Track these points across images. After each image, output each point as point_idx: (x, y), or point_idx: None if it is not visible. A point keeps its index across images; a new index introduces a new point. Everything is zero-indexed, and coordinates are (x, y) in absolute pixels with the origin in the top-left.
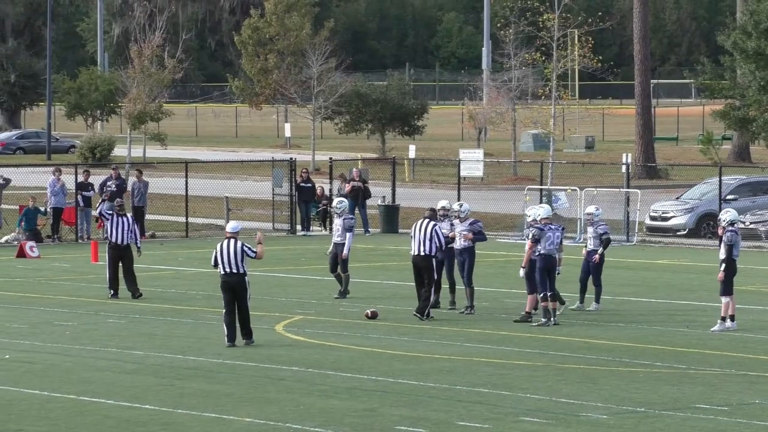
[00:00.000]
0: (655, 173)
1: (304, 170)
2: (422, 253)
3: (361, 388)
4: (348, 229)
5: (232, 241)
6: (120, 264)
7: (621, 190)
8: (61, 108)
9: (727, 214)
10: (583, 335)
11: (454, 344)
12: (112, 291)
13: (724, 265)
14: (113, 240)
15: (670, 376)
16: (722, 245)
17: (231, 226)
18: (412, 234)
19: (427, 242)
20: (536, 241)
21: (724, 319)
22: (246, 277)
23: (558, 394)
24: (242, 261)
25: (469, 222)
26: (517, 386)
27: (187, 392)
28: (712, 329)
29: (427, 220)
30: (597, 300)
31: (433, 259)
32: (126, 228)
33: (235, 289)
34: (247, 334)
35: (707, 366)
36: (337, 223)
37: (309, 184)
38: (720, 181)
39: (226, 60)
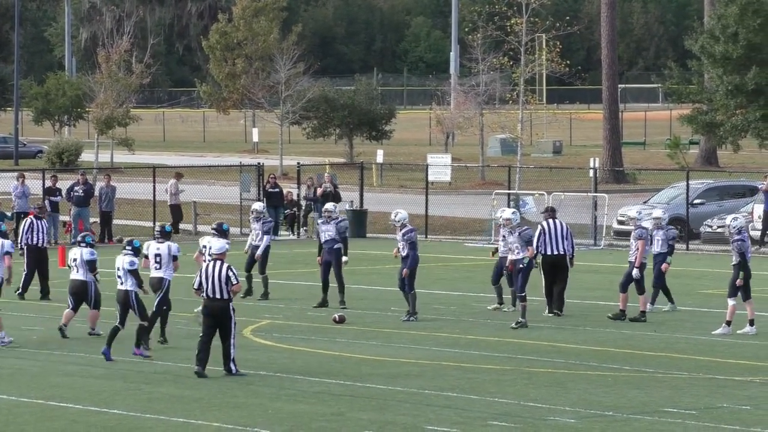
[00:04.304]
0: (623, 178)
1: (271, 176)
2: (560, 252)
3: (329, 393)
4: (266, 232)
5: (218, 263)
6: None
7: (588, 194)
8: (29, 113)
9: (735, 221)
10: (551, 339)
11: (422, 348)
12: (22, 289)
13: (741, 272)
14: (32, 243)
15: (637, 379)
16: (734, 252)
17: (217, 246)
18: (542, 233)
19: (564, 241)
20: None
21: (729, 323)
22: (231, 304)
23: (526, 398)
24: (227, 285)
25: (407, 229)
26: (486, 390)
27: (155, 397)
28: (715, 332)
29: (554, 220)
30: (652, 301)
31: (566, 258)
32: (44, 231)
33: (217, 316)
34: (228, 367)
35: (675, 370)
36: (255, 227)
37: (276, 189)
38: (687, 185)
39: (194, 65)
